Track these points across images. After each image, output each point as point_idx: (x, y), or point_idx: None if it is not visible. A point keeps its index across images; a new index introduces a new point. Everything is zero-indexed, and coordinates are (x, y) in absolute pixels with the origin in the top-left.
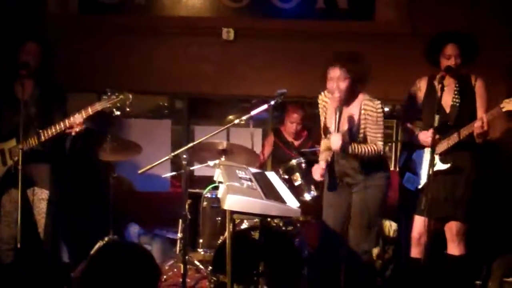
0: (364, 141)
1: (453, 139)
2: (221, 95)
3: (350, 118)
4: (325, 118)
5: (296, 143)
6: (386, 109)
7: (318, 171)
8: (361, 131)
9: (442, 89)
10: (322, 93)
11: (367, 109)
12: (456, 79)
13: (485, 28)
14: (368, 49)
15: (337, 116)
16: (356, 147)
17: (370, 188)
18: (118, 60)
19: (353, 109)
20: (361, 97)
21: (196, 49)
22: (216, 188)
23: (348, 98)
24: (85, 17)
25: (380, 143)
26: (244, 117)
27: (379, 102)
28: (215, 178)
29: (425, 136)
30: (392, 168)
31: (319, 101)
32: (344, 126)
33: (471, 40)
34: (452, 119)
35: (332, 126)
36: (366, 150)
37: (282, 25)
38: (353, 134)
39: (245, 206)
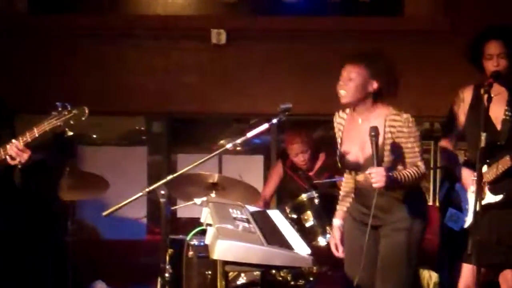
0: (392, 167)
1: (505, 162)
2: (210, 114)
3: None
4: (341, 142)
5: (311, 172)
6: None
7: (333, 243)
8: (386, 153)
9: (489, 100)
10: (337, 113)
11: (395, 125)
12: (508, 87)
13: None
14: (396, 51)
15: (373, 139)
16: (402, 176)
17: (401, 230)
18: (78, 72)
19: (373, 124)
20: (384, 111)
21: (178, 56)
22: (204, 232)
23: (364, 109)
24: (36, 18)
25: (421, 164)
26: (238, 141)
27: (409, 115)
28: (202, 220)
29: (467, 176)
30: (430, 203)
31: (335, 123)
32: (361, 141)
33: None
34: (504, 138)
35: (357, 154)
36: (411, 175)
37: (287, 24)
38: (377, 153)
39: (240, 254)
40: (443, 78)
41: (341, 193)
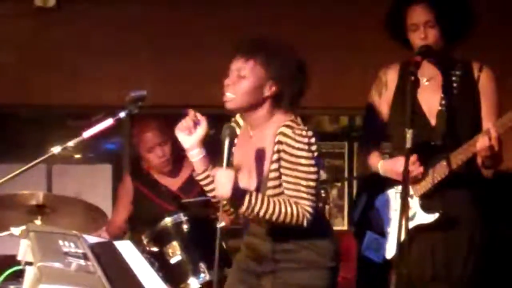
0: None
1: (441, 169)
2: (33, 107)
3: (258, 154)
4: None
5: (174, 184)
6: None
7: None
8: (270, 181)
9: (416, 84)
10: (233, 118)
11: (282, 140)
12: (442, 68)
13: None
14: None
15: (226, 140)
16: (261, 201)
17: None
18: None
19: (264, 139)
20: (279, 118)
21: None
22: (21, 274)
23: (257, 117)
24: None
25: (304, 203)
26: (71, 143)
27: (304, 129)
28: (19, 257)
29: (395, 165)
30: (343, 227)
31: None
32: (249, 163)
33: None
34: (440, 136)
35: (245, 178)
36: (277, 209)
37: None
38: (262, 182)
39: None
40: (360, 58)
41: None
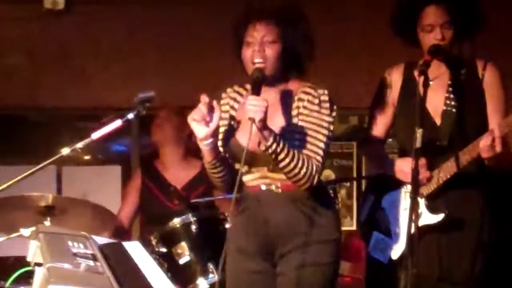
0: None
1: (448, 169)
2: (42, 110)
3: (274, 110)
4: (236, 127)
5: (180, 183)
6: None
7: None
8: (290, 128)
9: (426, 84)
10: (229, 88)
11: (304, 98)
12: (450, 67)
13: None
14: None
15: (256, 76)
16: (283, 143)
17: (308, 266)
18: None
19: (282, 98)
20: (296, 84)
21: None
22: (31, 275)
23: (273, 83)
24: None
25: (318, 159)
26: (79, 145)
27: (326, 90)
28: (29, 258)
29: (404, 165)
30: (352, 227)
31: (224, 99)
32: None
33: None
34: (446, 136)
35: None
36: (296, 156)
37: None
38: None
39: None
40: (369, 58)
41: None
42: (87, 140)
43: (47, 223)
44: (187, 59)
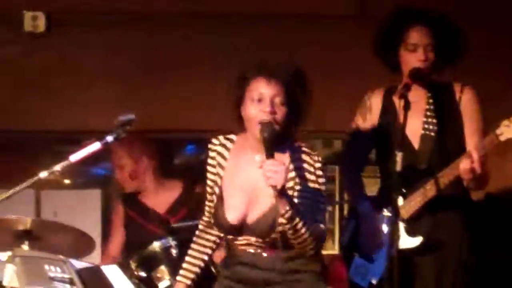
0: None
1: (427, 193)
2: (21, 133)
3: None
4: (220, 185)
5: (161, 207)
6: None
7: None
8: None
9: (407, 108)
10: (218, 137)
11: (301, 163)
12: (429, 91)
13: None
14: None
15: (266, 134)
16: (297, 207)
17: None
18: None
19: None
20: (290, 143)
21: None
22: None
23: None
24: None
25: (321, 224)
26: (57, 167)
27: (318, 155)
28: (5, 282)
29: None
30: (334, 251)
31: (212, 150)
32: (255, 187)
33: (449, 23)
34: (425, 159)
35: (242, 207)
36: (306, 228)
37: (135, 4)
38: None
39: None
40: (352, 83)
41: (190, 252)
42: (65, 163)
43: (25, 247)
44: (167, 82)
